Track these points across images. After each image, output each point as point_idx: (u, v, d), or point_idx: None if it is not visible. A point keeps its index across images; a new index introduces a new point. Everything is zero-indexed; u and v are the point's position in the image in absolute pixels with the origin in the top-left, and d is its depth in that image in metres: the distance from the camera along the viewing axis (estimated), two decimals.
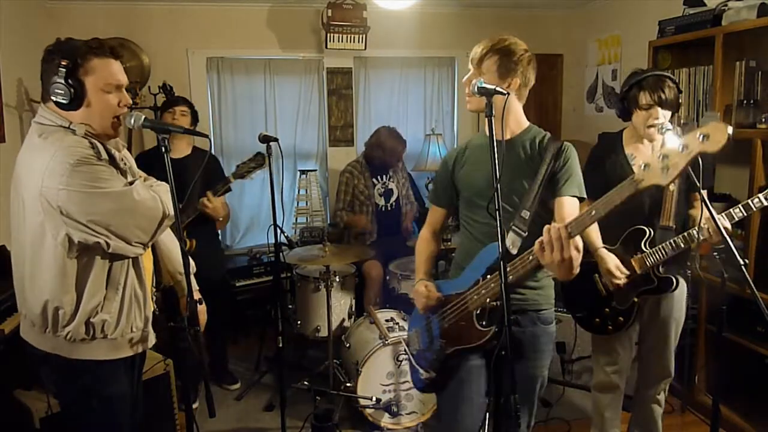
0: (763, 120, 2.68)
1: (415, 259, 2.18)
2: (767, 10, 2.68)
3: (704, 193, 1.94)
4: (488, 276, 1.81)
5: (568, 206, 1.82)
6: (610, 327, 2.40)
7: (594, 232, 2.31)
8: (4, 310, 2.47)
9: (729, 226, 2.10)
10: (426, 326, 2.04)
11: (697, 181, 1.86)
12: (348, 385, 3.04)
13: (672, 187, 2.28)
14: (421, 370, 2.03)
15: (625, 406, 2.63)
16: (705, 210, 1.87)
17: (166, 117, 3.30)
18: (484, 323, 1.85)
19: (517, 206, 1.84)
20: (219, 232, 3.63)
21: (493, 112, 1.58)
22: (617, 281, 2.23)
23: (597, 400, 2.60)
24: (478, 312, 1.84)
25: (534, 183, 1.84)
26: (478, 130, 4.87)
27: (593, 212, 1.49)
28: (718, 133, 1.25)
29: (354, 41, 4.30)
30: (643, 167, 1.37)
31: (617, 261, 2.24)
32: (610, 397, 2.55)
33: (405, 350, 2.12)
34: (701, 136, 1.27)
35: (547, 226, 1.54)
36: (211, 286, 3.36)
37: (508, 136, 1.88)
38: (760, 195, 2.07)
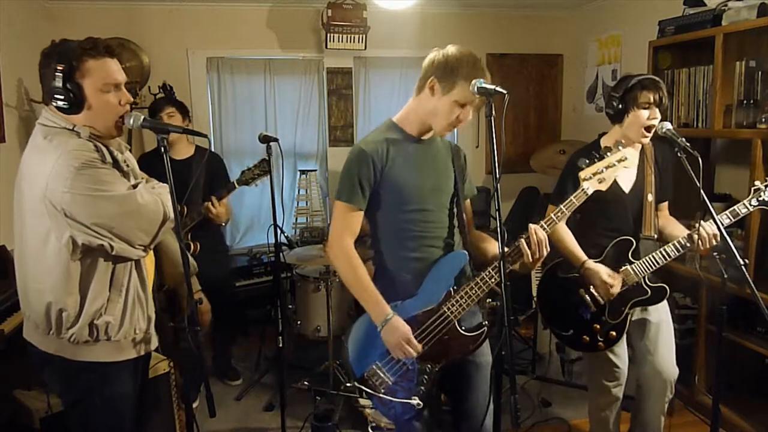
0: (763, 120, 2.68)
1: (355, 285, 1.95)
2: (767, 10, 2.69)
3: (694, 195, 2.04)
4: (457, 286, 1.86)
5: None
6: (600, 344, 2.33)
7: (575, 245, 2.31)
8: (4, 310, 2.48)
9: (717, 232, 2.09)
10: (389, 356, 1.89)
11: (697, 181, 1.86)
12: (348, 385, 3.04)
13: (650, 197, 2.31)
14: (412, 401, 1.86)
15: (625, 405, 2.60)
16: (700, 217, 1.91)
17: None
18: (468, 328, 1.88)
19: (444, 207, 1.92)
20: (223, 233, 3.60)
21: (493, 113, 1.56)
22: (614, 290, 2.22)
23: (599, 417, 2.51)
24: (459, 321, 1.86)
25: (459, 183, 1.95)
26: (477, 131, 4.89)
27: (559, 213, 1.86)
28: (634, 157, 1.89)
29: (354, 41, 4.29)
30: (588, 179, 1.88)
31: (607, 269, 2.24)
32: (612, 409, 2.50)
33: (372, 392, 1.92)
34: (617, 160, 1.87)
35: (533, 227, 1.76)
36: (216, 286, 3.37)
37: (428, 137, 1.93)
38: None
